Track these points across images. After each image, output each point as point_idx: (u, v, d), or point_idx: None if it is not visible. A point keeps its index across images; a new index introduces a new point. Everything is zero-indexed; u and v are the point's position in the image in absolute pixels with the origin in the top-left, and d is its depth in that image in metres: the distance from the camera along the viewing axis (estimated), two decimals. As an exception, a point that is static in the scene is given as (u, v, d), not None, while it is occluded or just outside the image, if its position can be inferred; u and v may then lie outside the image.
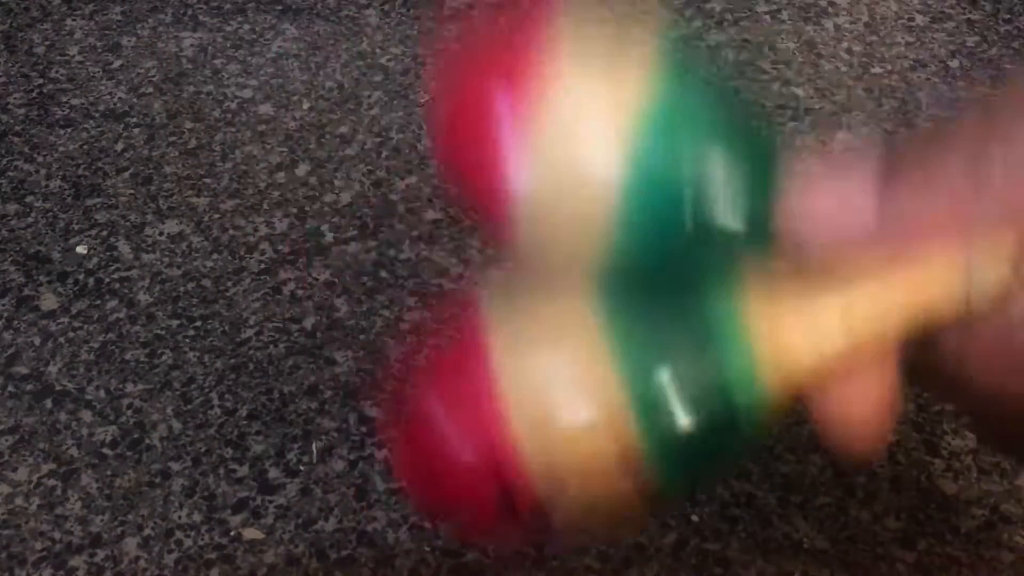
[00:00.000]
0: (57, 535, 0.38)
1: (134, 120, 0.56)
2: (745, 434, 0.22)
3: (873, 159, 0.21)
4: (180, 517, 0.39)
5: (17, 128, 0.56)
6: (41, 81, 0.59)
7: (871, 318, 0.21)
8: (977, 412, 0.25)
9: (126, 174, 0.53)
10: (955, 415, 0.42)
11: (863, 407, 0.21)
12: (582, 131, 0.22)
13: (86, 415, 0.42)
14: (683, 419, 0.21)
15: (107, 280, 0.48)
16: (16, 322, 0.46)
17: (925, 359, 0.22)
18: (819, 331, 0.21)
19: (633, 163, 0.22)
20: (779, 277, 0.22)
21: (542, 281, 0.23)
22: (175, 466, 0.40)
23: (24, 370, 0.44)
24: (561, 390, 0.21)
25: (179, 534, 0.38)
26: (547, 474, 0.21)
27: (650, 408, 0.21)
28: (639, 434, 0.21)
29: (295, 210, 0.51)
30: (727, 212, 0.22)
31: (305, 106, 0.57)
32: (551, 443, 0.21)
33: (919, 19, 0.64)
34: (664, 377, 0.21)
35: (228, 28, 0.62)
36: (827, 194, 0.22)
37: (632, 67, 0.23)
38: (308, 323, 0.46)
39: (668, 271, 0.23)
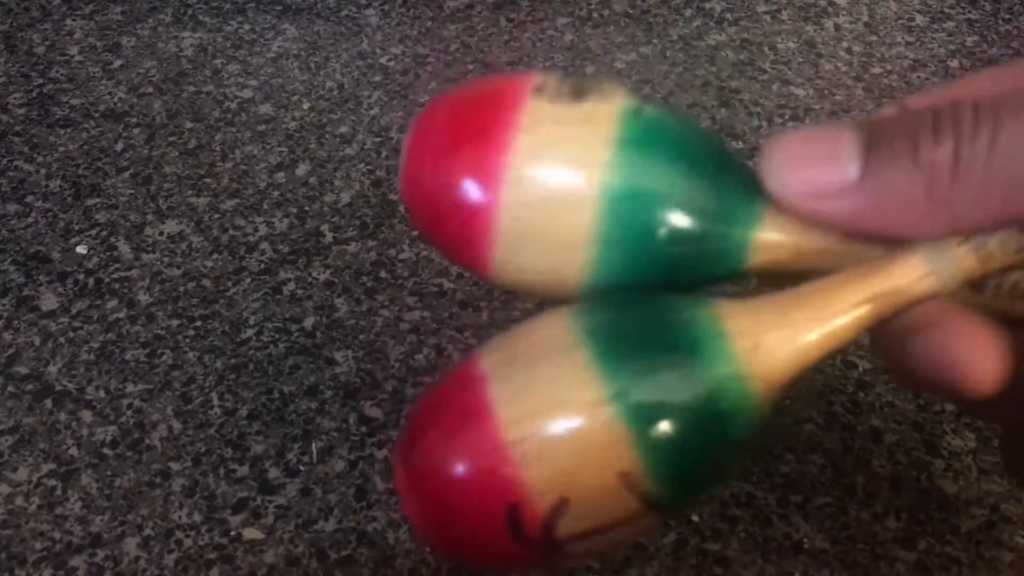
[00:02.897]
0: (57, 535, 0.38)
1: (134, 120, 0.56)
2: (737, 438, 0.21)
3: (860, 126, 0.21)
4: (180, 517, 0.39)
5: (17, 128, 0.56)
6: (41, 81, 0.59)
7: (849, 315, 0.21)
8: None
9: (126, 174, 0.53)
10: (957, 415, 0.42)
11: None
12: (558, 160, 0.22)
13: (86, 415, 0.42)
14: (672, 430, 0.21)
15: (107, 280, 0.48)
16: (16, 322, 0.46)
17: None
18: (797, 331, 0.21)
19: (610, 186, 0.22)
20: (756, 291, 0.22)
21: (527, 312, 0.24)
22: (175, 466, 0.40)
23: (24, 370, 0.44)
24: (553, 412, 0.21)
25: (179, 534, 0.38)
26: (550, 494, 0.21)
27: (639, 421, 0.20)
28: (632, 448, 0.20)
29: (295, 210, 0.51)
30: (702, 231, 0.23)
31: (305, 106, 0.57)
32: (551, 465, 0.21)
33: (919, 19, 0.64)
34: (648, 391, 0.21)
35: (228, 28, 0.62)
36: (811, 146, 0.21)
37: (602, 100, 0.23)
38: (308, 323, 0.46)
39: (647, 288, 0.23)
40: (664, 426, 0.20)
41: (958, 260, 0.21)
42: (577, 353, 0.21)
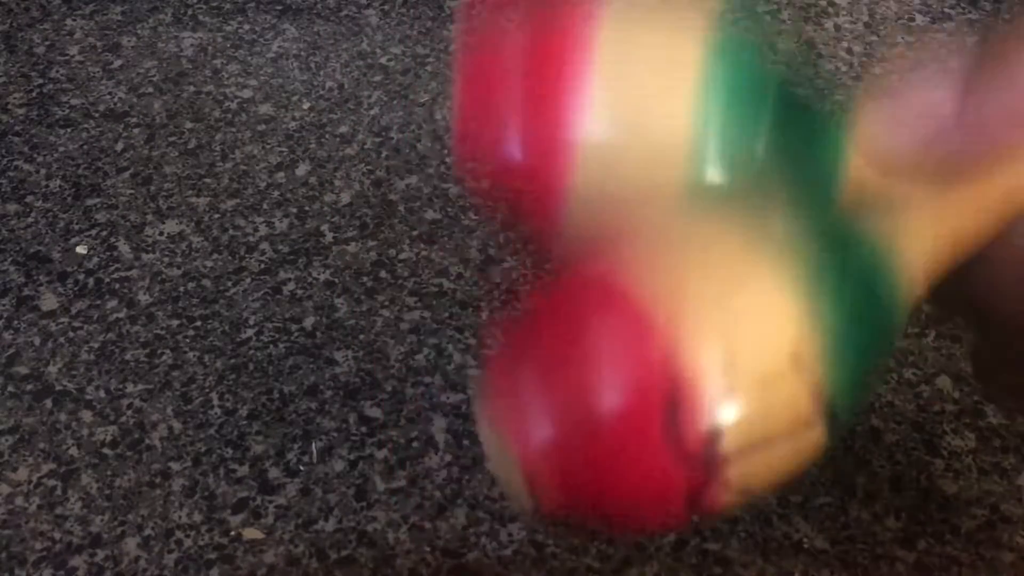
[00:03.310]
0: (57, 535, 0.38)
1: (134, 120, 0.56)
2: (890, 326, 0.21)
3: (958, 58, 0.21)
4: (180, 517, 0.39)
5: (17, 128, 0.56)
6: (41, 81, 0.59)
7: (958, 219, 0.21)
8: (996, 341, 0.24)
9: (126, 174, 0.53)
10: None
11: None
12: (648, 71, 0.21)
13: (86, 415, 0.42)
14: (842, 307, 0.20)
15: (107, 280, 0.48)
16: (16, 322, 0.46)
17: (957, 279, 0.22)
18: (946, 220, 0.21)
19: (707, 93, 0.21)
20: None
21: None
22: (175, 466, 0.40)
23: (24, 370, 0.44)
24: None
25: (179, 534, 0.38)
26: (714, 375, 0.19)
27: (814, 297, 0.19)
28: (805, 324, 0.19)
29: (295, 210, 0.51)
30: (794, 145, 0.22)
31: (305, 106, 0.57)
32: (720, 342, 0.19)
33: (919, 19, 0.64)
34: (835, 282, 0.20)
35: (228, 28, 0.62)
36: (910, 95, 0.22)
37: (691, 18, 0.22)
38: (308, 323, 0.46)
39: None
40: (833, 303, 0.20)
41: None
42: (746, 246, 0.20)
